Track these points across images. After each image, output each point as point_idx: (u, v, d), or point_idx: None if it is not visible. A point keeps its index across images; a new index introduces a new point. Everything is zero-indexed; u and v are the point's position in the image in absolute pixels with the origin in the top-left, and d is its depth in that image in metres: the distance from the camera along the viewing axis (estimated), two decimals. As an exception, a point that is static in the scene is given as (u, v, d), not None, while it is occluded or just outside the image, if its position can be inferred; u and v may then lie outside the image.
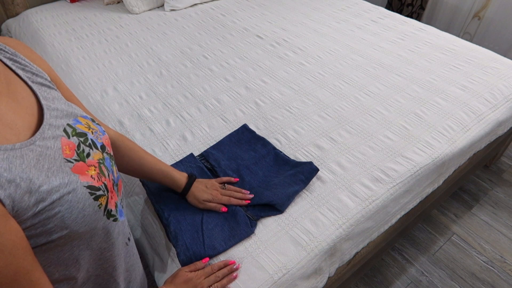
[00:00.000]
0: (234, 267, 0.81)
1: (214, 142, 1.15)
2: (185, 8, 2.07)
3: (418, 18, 2.68)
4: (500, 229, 1.58)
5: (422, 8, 2.64)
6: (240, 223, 0.89)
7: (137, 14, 2.01)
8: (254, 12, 2.00)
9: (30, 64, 0.58)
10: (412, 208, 1.16)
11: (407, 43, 1.67)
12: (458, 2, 2.47)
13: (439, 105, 1.29)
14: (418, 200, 1.16)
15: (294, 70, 1.50)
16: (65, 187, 0.49)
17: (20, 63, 0.56)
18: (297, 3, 2.09)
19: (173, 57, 1.60)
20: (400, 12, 2.76)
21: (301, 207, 0.96)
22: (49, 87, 0.59)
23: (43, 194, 0.46)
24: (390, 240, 1.26)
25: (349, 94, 1.36)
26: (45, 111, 0.54)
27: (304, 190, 1.00)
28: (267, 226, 0.91)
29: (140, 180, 1.01)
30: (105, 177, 0.58)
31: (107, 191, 0.57)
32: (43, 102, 0.55)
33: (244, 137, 1.15)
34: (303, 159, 1.10)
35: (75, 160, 0.54)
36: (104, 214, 0.56)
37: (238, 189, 0.96)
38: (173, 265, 0.87)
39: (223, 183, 0.98)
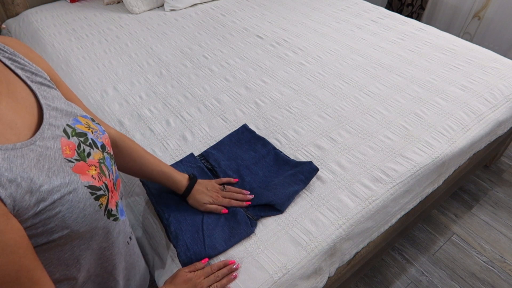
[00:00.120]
0: (234, 267, 0.82)
1: (214, 142, 1.15)
2: (185, 8, 2.07)
3: (418, 18, 2.68)
4: (500, 229, 1.58)
5: (422, 8, 2.64)
6: (240, 222, 0.89)
7: (137, 14, 2.01)
8: (254, 12, 2.00)
9: (29, 64, 0.58)
10: (412, 208, 1.16)
11: (407, 43, 1.67)
12: (458, 2, 2.47)
13: (439, 105, 1.29)
14: (418, 200, 1.16)
15: (294, 70, 1.50)
16: (66, 187, 0.49)
17: (19, 63, 0.56)
18: (297, 3, 2.09)
19: (173, 57, 1.60)
20: (400, 12, 2.76)
21: (301, 207, 0.96)
22: (48, 86, 0.59)
23: (44, 194, 0.46)
24: (390, 240, 1.26)
25: (349, 94, 1.36)
26: (45, 110, 0.54)
27: (304, 190, 1.00)
28: (267, 226, 0.91)
29: (141, 180, 1.01)
30: (105, 176, 0.58)
31: (108, 191, 0.57)
32: (42, 101, 0.55)
33: (244, 137, 1.15)
34: (303, 159, 1.10)
35: (76, 159, 0.54)
36: (104, 214, 0.56)
37: (238, 190, 0.96)
38: (173, 265, 0.87)
39: (223, 184, 0.98)
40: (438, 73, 1.46)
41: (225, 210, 0.91)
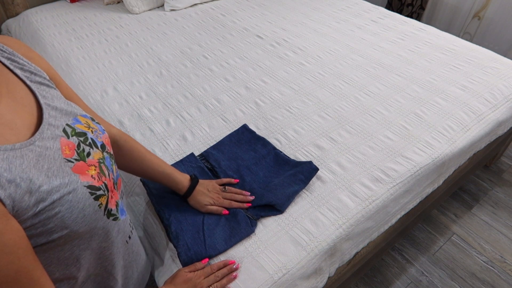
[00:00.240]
0: (234, 267, 0.82)
1: (214, 142, 1.15)
2: (185, 8, 2.07)
3: (418, 18, 2.68)
4: (500, 229, 1.58)
5: (422, 8, 2.64)
6: (240, 222, 0.89)
7: (137, 14, 2.01)
8: (254, 12, 2.00)
9: (28, 63, 0.58)
10: (412, 208, 1.16)
11: (407, 43, 1.67)
12: (458, 2, 2.47)
13: (439, 105, 1.29)
14: (418, 200, 1.16)
15: (294, 70, 1.50)
16: (65, 187, 0.49)
17: (18, 63, 0.56)
18: (297, 3, 2.09)
19: (173, 57, 1.60)
20: (400, 12, 2.76)
21: (301, 207, 0.96)
22: (48, 86, 0.59)
23: (43, 194, 0.46)
24: (390, 240, 1.26)
25: (349, 94, 1.36)
26: (44, 110, 0.54)
27: (304, 190, 1.00)
28: (267, 226, 0.91)
29: (141, 180, 1.01)
30: (105, 176, 0.58)
31: (107, 191, 0.57)
32: (42, 101, 0.55)
33: (244, 137, 1.15)
34: (303, 159, 1.10)
35: (76, 159, 0.54)
36: (104, 214, 0.56)
37: (239, 191, 0.97)
38: (173, 265, 0.87)
39: (224, 184, 0.98)
40: (438, 73, 1.46)
41: (225, 212, 0.91)
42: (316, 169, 1.02)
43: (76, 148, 0.55)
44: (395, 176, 1.05)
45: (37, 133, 0.51)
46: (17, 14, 2.08)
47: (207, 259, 0.83)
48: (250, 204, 0.94)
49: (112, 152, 0.65)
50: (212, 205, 0.91)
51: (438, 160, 1.12)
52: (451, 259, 1.47)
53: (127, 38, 1.77)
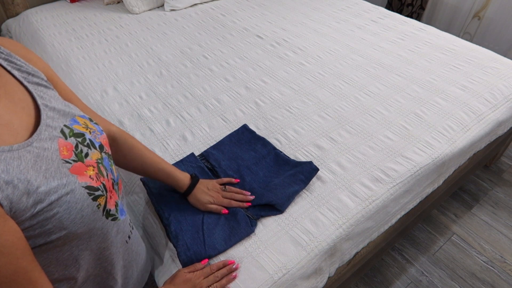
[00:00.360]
0: (233, 267, 0.81)
1: (214, 142, 1.15)
2: (185, 8, 2.07)
3: (418, 18, 2.68)
4: (500, 229, 1.58)
5: (422, 8, 2.64)
6: (240, 222, 0.89)
7: (137, 14, 2.01)
8: (254, 12, 2.00)
9: (25, 64, 0.58)
10: (412, 208, 1.16)
11: (407, 43, 1.67)
12: (458, 2, 2.47)
13: (439, 105, 1.29)
14: (418, 200, 1.16)
15: (294, 70, 1.50)
16: (63, 188, 0.49)
17: (15, 64, 0.56)
18: (297, 3, 2.09)
19: (173, 57, 1.60)
20: (400, 12, 2.76)
21: (301, 207, 0.96)
22: (45, 86, 0.59)
23: (41, 195, 0.46)
24: (390, 240, 1.26)
25: (349, 94, 1.36)
26: (42, 111, 0.54)
27: (304, 190, 1.00)
28: (267, 226, 0.91)
29: (141, 180, 1.01)
30: (103, 177, 0.58)
31: (106, 191, 0.57)
32: (39, 102, 0.55)
33: (244, 137, 1.15)
34: (303, 159, 1.10)
35: (73, 160, 0.53)
36: (103, 214, 0.56)
37: (239, 190, 0.97)
38: (173, 265, 0.87)
39: (224, 184, 0.98)
40: (438, 73, 1.46)
41: (225, 211, 0.91)
42: (316, 169, 1.02)
43: (74, 149, 0.55)
44: (395, 176, 1.05)
45: (35, 134, 0.51)
46: (17, 14, 2.08)
47: (206, 260, 0.83)
48: (250, 204, 0.94)
49: (110, 153, 0.65)
50: (212, 203, 0.91)
51: (438, 160, 1.12)
52: (451, 259, 1.47)
53: (127, 38, 1.77)
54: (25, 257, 0.44)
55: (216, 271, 0.80)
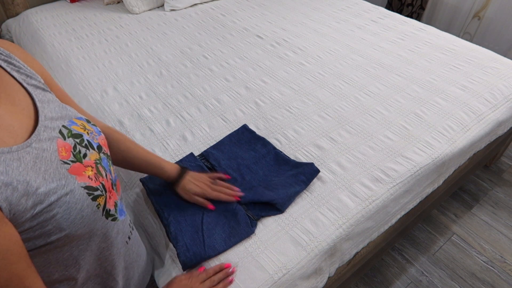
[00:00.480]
0: (230, 270, 0.81)
1: (214, 142, 1.15)
2: (185, 8, 2.07)
3: (418, 18, 2.68)
4: (500, 229, 1.58)
5: (422, 8, 2.64)
6: (240, 222, 0.89)
7: (137, 14, 2.01)
8: (254, 12, 2.00)
9: (24, 66, 0.58)
10: (412, 208, 1.16)
11: (407, 43, 1.67)
12: (458, 2, 2.47)
13: (439, 105, 1.29)
14: (418, 200, 1.16)
15: (294, 70, 1.50)
16: (62, 188, 0.49)
17: (14, 65, 0.56)
18: (297, 3, 2.09)
19: (173, 57, 1.60)
20: (400, 12, 2.76)
21: (301, 207, 0.96)
22: (43, 89, 0.59)
23: (40, 197, 0.46)
24: (390, 240, 1.26)
25: (349, 94, 1.36)
26: (40, 113, 0.54)
27: (304, 190, 1.00)
28: (267, 226, 0.91)
29: (140, 180, 1.01)
30: (102, 177, 0.58)
31: (105, 191, 0.57)
32: (38, 104, 0.55)
33: (244, 137, 1.15)
34: (303, 159, 1.10)
35: (72, 161, 0.53)
36: (102, 215, 0.56)
37: (228, 185, 0.96)
38: (173, 265, 0.87)
39: (214, 178, 0.98)
40: (438, 73, 1.46)
41: (211, 206, 0.91)
42: (317, 171, 1.02)
43: (72, 150, 0.55)
44: (395, 176, 1.05)
45: (34, 134, 0.51)
46: (17, 14, 2.08)
47: (203, 268, 0.83)
48: (238, 198, 0.93)
49: (109, 153, 0.65)
50: (199, 195, 0.91)
51: (438, 160, 1.12)
52: (451, 259, 1.47)
53: (127, 38, 1.77)
54: (20, 263, 0.44)
55: (213, 275, 0.79)
